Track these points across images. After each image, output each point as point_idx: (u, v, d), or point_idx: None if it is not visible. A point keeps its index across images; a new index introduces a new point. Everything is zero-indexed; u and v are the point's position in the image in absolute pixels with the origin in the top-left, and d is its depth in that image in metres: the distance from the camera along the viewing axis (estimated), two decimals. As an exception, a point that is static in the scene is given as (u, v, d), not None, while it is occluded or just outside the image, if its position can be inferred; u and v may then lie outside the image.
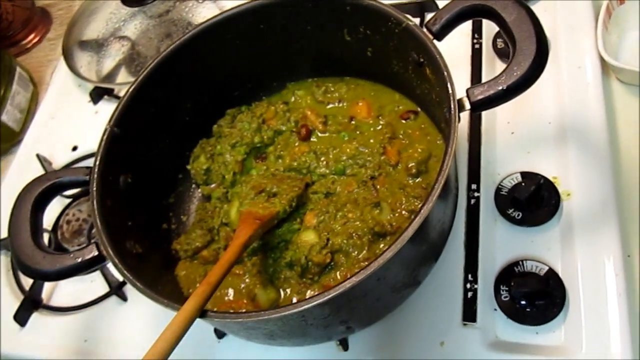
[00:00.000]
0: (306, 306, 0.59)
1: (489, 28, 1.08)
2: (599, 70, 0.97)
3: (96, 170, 0.79)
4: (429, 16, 1.13)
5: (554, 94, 0.98)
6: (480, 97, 0.68)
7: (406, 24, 0.76)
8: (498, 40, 1.05)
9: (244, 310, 0.85)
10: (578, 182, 0.88)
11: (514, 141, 0.96)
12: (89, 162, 1.15)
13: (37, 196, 0.77)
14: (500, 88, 0.67)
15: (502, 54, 1.05)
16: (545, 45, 0.68)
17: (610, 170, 0.87)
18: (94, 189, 0.77)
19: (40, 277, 0.74)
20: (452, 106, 0.67)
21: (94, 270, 0.76)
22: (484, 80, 1.01)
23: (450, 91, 0.68)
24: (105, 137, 0.82)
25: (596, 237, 0.83)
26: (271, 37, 0.94)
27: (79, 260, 0.73)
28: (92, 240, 1.01)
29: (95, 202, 0.76)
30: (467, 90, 0.69)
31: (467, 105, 0.69)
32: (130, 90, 0.86)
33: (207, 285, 0.66)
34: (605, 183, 0.86)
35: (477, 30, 1.08)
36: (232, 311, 0.81)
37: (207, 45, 0.91)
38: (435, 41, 0.74)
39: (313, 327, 0.73)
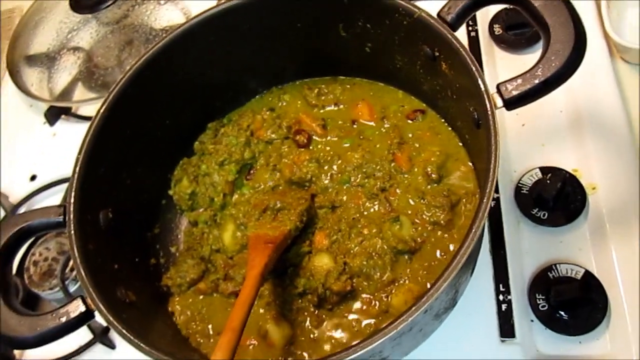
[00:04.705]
0: (360, 352, 0.50)
1: (483, 13, 1.00)
2: (606, 50, 0.91)
3: (72, 208, 0.67)
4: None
5: (561, 79, 0.92)
6: (515, 92, 0.61)
7: (419, 15, 0.68)
8: (495, 25, 0.98)
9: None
10: (602, 173, 0.82)
11: (526, 134, 0.89)
12: (53, 193, 1.04)
13: (2, 247, 0.65)
14: (537, 82, 0.60)
15: (500, 40, 0.98)
16: (583, 30, 0.61)
17: (635, 157, 0.81)
18: (72, 231, 0.66)
19: (18, 345, 0.62)
20: (486, 105, 0.60)
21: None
22: (485, 70, 0.94)
23: (483, 88, 0.61)
24: (78, 168, 0.70)
25: (630, 231, 0.77)
26: (256, 38, 0.83)
27: (64, 320, 0.62)
28: (77, 294, 0.87)
29: (75, 248, 0.65)
30: (498, 86, 0.62)
31: (500, 103, 0.62)
32: (101, 111, 0.74)
33: (230, 332, 0.59)
34: (631, 171, 0.81)
35: (471, 17, 1.00)
36: None
37: (185, 53, 0.80)
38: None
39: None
